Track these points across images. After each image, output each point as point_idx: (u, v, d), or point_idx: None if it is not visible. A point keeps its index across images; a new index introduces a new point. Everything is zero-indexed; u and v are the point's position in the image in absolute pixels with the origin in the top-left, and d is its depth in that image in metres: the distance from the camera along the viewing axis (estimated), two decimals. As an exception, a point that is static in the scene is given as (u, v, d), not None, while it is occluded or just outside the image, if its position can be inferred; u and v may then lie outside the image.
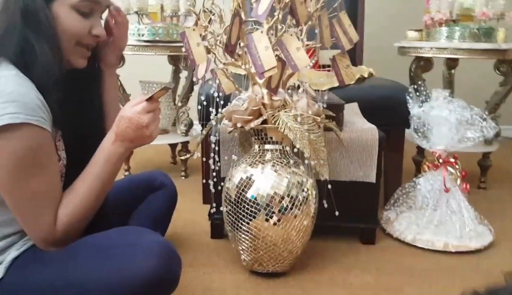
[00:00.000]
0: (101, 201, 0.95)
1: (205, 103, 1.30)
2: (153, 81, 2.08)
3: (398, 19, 2.65)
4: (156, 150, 2.45)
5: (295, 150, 1.15)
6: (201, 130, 1.34)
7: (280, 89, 1.21)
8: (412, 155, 2.09)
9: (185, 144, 2.13)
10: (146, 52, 1.86)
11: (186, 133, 2.07)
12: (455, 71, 2.18)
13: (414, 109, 1.55)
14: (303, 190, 1.15)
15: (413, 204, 1.55)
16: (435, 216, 1.45)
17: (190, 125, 2.08)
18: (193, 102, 1.98)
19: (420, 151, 2.06)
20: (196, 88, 1.98)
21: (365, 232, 1.43)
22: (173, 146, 2.31)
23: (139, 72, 2.18)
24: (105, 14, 1.03)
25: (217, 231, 1.44)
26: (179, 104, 2.11)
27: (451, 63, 2.09)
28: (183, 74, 2.18)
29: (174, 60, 2.16)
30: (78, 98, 1.00)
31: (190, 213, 1.66)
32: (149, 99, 0.90)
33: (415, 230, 1.46)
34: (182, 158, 1.37)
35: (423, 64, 1.93)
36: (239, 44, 1.17)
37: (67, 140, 0.98)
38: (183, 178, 2.11)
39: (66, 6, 0.89)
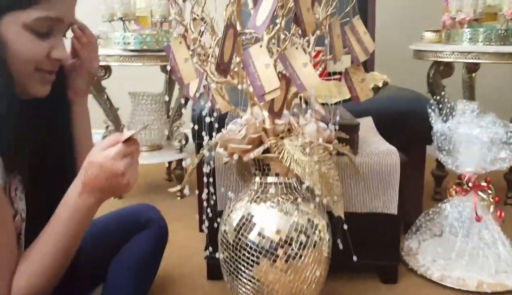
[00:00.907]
0: (67, 264, 0.77)
1: (196, 127, 1.11)
2: (144, 92, 1.90)
3: (412, 19, 2.43)
4: (149, 166, 2.26)
5: (304, 185, 0.96)
6: (188, 159, 1.14)
7: (284, 111, 1.02)
8: (431, 168, 1.89)
9: (179, 161, 1.94)
10: (133, 62, 1.67)
11: (181, 149, 1.88)
12: (475, 75, 1.98)
13: (437, 124, 1.35)
14: (314, 233, 0.97)
15: (438, 232, 1.37)
16: (465, 249, 1.26)
17: (185, 141, 1.90)
18: (188, 116, 1.80)
19: (441, 164, 1.85)
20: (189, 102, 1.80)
21: (386, 270, 1.24)
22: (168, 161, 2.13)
23: (128, 82, 2.00)
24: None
25: (214, 271, 1.25)
26: (173, 117, 1.93)
27: (472, 67, 1.90)
28: (177, 84, 1.99)
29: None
30: (40, 134, 0.81)
31: (185, 242, 1.47)
32: (126, 141, 0.71)
33: (442, 265, 1.27)
34: (172, 190, 1.18)
35: (442, 69, 1.73)
36: (235, 57, 0.98)
37: (27, 186, 0.80)
38: (179, 198, 1.92)
39: (17, 26, 0.70)
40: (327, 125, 1.04)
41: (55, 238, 0.74)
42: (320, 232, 0.97)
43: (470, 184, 1.29)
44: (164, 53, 1.67)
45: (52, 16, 0.72)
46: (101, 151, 0.71)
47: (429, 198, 1.86)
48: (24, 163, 0.75)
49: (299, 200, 0.98)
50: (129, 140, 0.71)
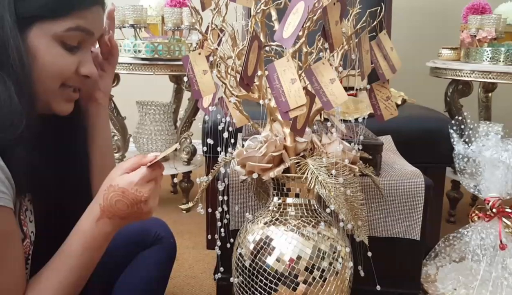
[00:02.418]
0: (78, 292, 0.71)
1: (211, 141, 1.05)
2: (151, 101, 1.85)
3: (427, 35, 2.38)
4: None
5: (329, 209, 0.91)
6: (202, 179, 1.07)
7: (307, 129, 0.96)
8: (446, 189, 1.83)
9: (186, 174, 1.88)
10: (143, 71, 1.62)
11: (188, 162, 1.82)
12: (492, 95, 1.93)
13: (459, 146, 1.30)
14: (336, 260, 0.90)
15: (457, 258, 1.31)
16: (488, 278, 1.20)
17: (193, 153, 1.84)
18: (196, 127, 1.75)
19: (456, 185, 1.80)
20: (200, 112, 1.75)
21: (405, 299, 1.18)
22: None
23: (135, 91, 1.95)
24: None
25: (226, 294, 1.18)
26: (181, 128, 1.87)
27: (490, 86, 1.85)
28: (186, 94, 1.94)
29: (176, 78, 1.93)
30: (56, 151, 0.76)
31: (191, 261, 1.41)
32: (151, 165, 0.66)
33: (464, 295, 1.21)
34: (183, 207, 1.13)
35: (461, 88, 1.68)
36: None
37: (38, 205, 0.74)
38: (184, 212, 1.86)
39: (47, 36, 0.66)
40: (349, 144, 0.99)
41: (68, 267, 0.68)
42: (343, 259, 0.91)
43: (494, 210, 1.23)
44: (175, 63, 1.62)
45: (84, 26, 0.68)
46: (122, 173, 0.66)
47: (443, 220, 1.80)
48: (36, 186, 0.69)
49: (321, 222, 0.93)
50: (154, 164, 0.66)
